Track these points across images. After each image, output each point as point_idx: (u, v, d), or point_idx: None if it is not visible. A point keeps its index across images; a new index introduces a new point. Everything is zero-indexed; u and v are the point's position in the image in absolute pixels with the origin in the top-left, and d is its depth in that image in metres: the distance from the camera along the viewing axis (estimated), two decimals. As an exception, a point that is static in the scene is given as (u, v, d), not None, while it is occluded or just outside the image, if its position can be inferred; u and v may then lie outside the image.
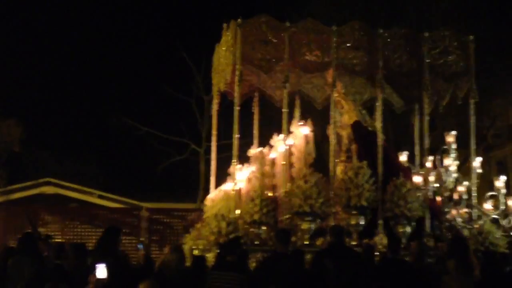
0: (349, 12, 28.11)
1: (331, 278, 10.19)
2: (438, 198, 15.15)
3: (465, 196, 14.94)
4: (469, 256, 10.02)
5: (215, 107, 16.73)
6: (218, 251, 11.82)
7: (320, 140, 17.45)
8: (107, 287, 9.16)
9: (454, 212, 14.88)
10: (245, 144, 17.08)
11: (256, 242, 13.97)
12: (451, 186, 15.16)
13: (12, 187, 31.80)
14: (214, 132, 16.99)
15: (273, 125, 16.11)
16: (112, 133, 35.49)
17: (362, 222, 14.23)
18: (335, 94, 15.73)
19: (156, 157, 34.28)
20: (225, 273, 10.12)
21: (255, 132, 17.47)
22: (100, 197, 32.04)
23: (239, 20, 14.72)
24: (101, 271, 9.09)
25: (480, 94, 29.25)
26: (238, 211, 14.55)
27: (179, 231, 25.51)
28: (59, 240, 26.25)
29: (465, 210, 14.99)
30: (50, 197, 31.71)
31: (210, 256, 13.22)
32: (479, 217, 14.98)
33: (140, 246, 12.86)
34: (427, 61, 15.16)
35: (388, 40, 15.10)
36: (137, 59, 36.06)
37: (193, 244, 14.76)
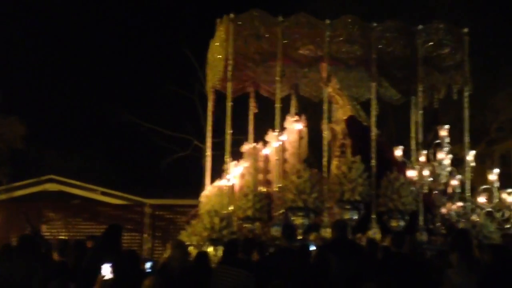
0: (349, 6, 28.01)
1: (335, 273, 10.14)
2: (432, 192, 15.12)
3: (458, 190, 14.89)
4: (473, 249, 9.96)
5: (210, 103, 16.61)
6: (227, 246, 11.77)
7: (317, 135, 17.38)
8: (113, 286, 9.10)
9: (448, 205, 14.84)
10: (243, 140, 17.08)
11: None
12: (444, 180, 15.11)
13: (14, 185, 31.78)
14: (209, 128, 16.88)
15: (269, 121, 16.02)
16: (115, 130, 35.47)
17: (355, 217, 14.22)
18: (330, 89, 15.70)
19: (159, 154, 34.22)
20: (234, 269, 10.07)
21: (250, 128, 17.44)
22: (103, 193, 31.98)
23: (231, 15, 14.66)
24: (107, 270, 8.97)
25: (484, 88, 29.31)
26: (231, 207, 14.54)
27: (182, 227, 25.53)
28: (63, 237, 26.42)
29: (460, 204, 14.95)
30: (53, 194, 31.73)
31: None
32: (473, 211, 14.91)
33: (148, 266, 11.86)
34: (421, 54, 15.07)
35: (382, 33, 14.99)
36: (139, 55, 36.01)
37: (187, 240, 14.72)
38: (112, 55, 36.08)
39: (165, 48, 34.41)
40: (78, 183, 32.33)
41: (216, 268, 10.49)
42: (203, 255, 11.04)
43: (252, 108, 17.36)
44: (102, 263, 9.03)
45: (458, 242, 9.63)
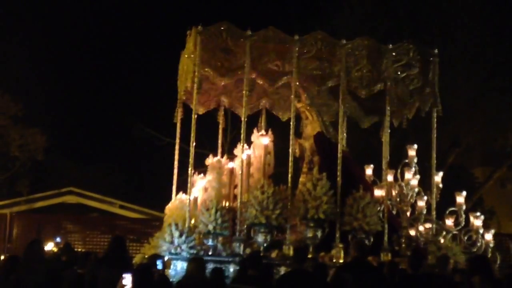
0: (369, 25, 27.86)
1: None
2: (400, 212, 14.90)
3: (424, 211, 14.63)
4: (493, 271, 9.84)
5: (178, 115, 16.53)
6: (241, 264, 11.71)
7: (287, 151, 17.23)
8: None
9: (415, 227, 14.61)
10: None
11: (210, 253, 13.84)
12: (411, 200, 14.88)
13: (34, 196, 32.18)
14: (177, 140, 16.90)
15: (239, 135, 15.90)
16: (134, 143, 35.72)
17: (319, 235, 13.95)
18: (299, 105, 15.56)
19: (178, 168, 34.24)
20: (247, 287, 10.01)
21: (219, 142, 17.40)
22: (121, 207, 32.21)
23: (199, 27, 14.56)
24: (128, 281, 8.99)
25: (506, 111, 28.74)
26: (193, 221, 14.44)
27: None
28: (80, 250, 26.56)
29: (427, 225, 14.70)
30: (72, 207, 32.06)
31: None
32: (438, 233, 14.61)
33: (159, 263, 11.54)
34: (390, 73, 14.83)
35: (350, 51, 14.77)
36: (161, 70, 36.22)
37: (148, 253, 14.64)
38: (133, 69, 36.45)
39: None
40: (97, 196, 32.59)
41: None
42: (218, 271, 10.97)
43: (221, 122, 17.30)
44: (114, 275, 9.08)
45: (478, 265, 9.50)
